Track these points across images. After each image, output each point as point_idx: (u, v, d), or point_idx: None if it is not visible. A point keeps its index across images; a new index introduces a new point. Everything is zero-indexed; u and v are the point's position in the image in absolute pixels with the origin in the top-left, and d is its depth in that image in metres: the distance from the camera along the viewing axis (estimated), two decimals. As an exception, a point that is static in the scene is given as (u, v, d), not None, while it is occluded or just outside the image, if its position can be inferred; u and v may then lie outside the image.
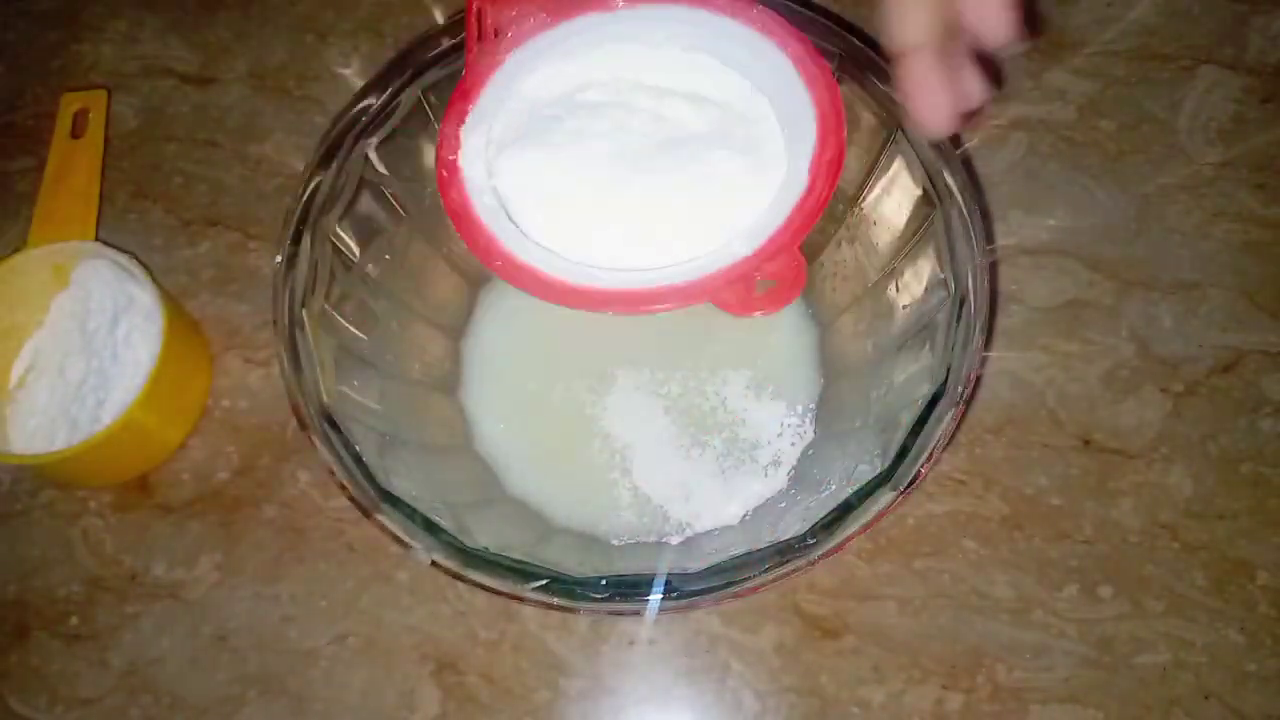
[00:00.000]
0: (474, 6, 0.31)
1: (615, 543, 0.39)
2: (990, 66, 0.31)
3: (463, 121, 0.30)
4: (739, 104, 0.31)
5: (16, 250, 0.45)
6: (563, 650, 0.41)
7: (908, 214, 0.36)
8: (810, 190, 0.28)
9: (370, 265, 0.37)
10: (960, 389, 0.31)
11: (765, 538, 0.33)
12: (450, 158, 0.30)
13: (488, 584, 0.30)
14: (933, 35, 0.28)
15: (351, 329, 0.36)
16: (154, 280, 0.43)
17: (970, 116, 0.29)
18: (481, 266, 0.29)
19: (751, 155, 0.30)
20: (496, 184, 0.30)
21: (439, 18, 0.51)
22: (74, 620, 0.42)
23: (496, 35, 0.31)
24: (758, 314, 0.28)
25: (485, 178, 0.30)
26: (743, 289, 0.27)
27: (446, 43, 0.35)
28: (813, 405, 0.41)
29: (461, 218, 0.29)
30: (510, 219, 0.29)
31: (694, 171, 0.30)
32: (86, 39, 0.54)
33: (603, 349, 0.42)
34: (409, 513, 0.31)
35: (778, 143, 0.30)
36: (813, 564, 0.30)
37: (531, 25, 0.31)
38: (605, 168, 0.30)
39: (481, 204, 0.29)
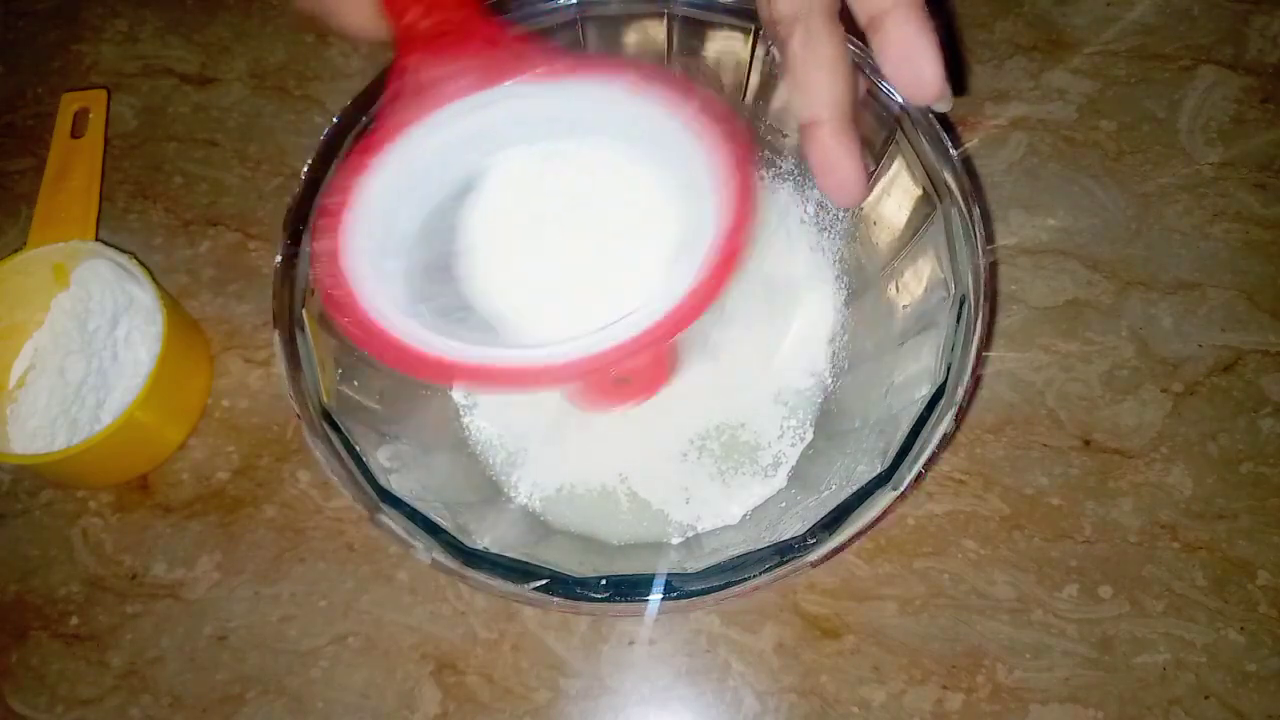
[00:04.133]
0: (404, 62, 0.29)
1: (615, 543, 0.39)
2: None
3: (360, 173, 0.29)
4: (657, 179, 0.30)
5: (16, 250, 0.45)
6: (563, 650, 0.41)
7: (908, 214, 0.36)
8: (693, 291, 0.27)
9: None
10: (960, 389, 0.31)
11: (765, 538, 0.33)
12: (333, 207, 0.28)
13: (488, 584, 0.30)
14: (836, 109, 0.28)
15: (351, 329, 0.36)
16: (154, 280, 0.43)
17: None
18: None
19: (664, 229, 0.30)
20: (392, 238, 0.29)
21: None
22: (74, 620, 0.42)
23: (419, 94, 0.30)
24: (610, 407, 0.27)
25: (367, 236, 0.29)
26: (596, 382, 0.27)
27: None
28: (813, 406, 0.41)
29: (327, 271, 0.28)
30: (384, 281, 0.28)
31: (580, 256, 0.30)
32: (86, 39, 0.54)
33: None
34: (409, 513, 0.31)
35: (671, 245, 0.29)
36: (813, 564, 0.30)
37: (458, 88, 0.29)
38: (495, 239, 0.30)
39: (352, 262, 0.28)
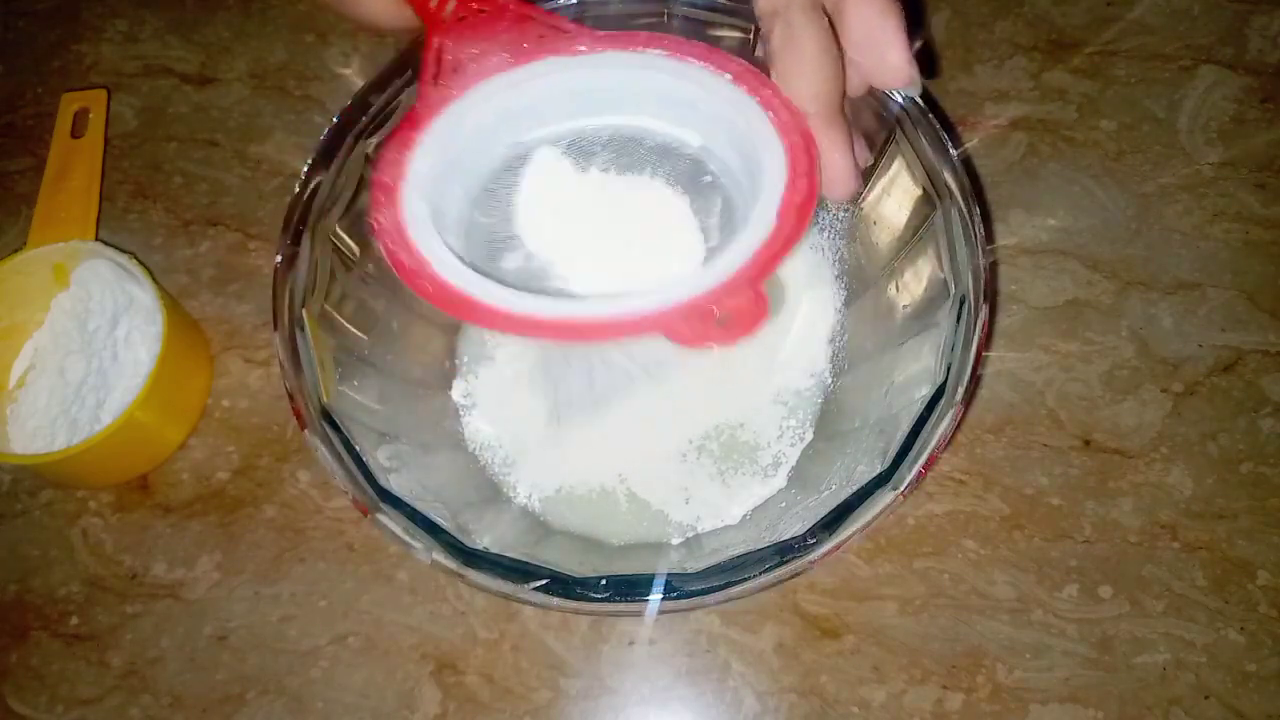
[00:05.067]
0: (434, 41, 0.30)
1: (615, 543, 0.39)
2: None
3: (408, 148, 0.29)
4: (704, 147, 0.31)
5: (16, 250, 0.45)
6: (563, 650, 0.41)
7: (908, 214, 0.36)
8: (776, 232, 0.27)
9: (370, 265, 0.37)
10: (960, 389, 0.31)
11: (765, 538, 0.33)
12: (388, 181, 0.29)
13: (488, 584, 0.30)
14: (819, 102, 0.27)
15: (351, 329, 0.36)
16: (154, 280, 0.43)
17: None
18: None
19: (715, 195, 0.30)
20: (447, 214, 0.30)
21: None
22: (74, 620, 0.42)
23: (456, 71, 0.30)
24: (712, 346, 0.28)
25: (424, 207, 0.29)
26: (698, 322, 0.27)
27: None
28: (813, 406, 0.41)
29: (394, 240, 0.28)
30: (451, 249, 0.29)
31: (655, 209, 0.30)
32: (86, 39, 0.54)
33: (600, 351, 0.42)
34: (409, 513, 0.31)
35: (744, 186, 0.30)
36: (813, 564, 0.30)
37: (493, 64, 0.30)
38: (563, 206, 0.30)
39: (416, 229, 0.28)
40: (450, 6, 0.30)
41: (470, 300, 0.27)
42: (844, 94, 0.28)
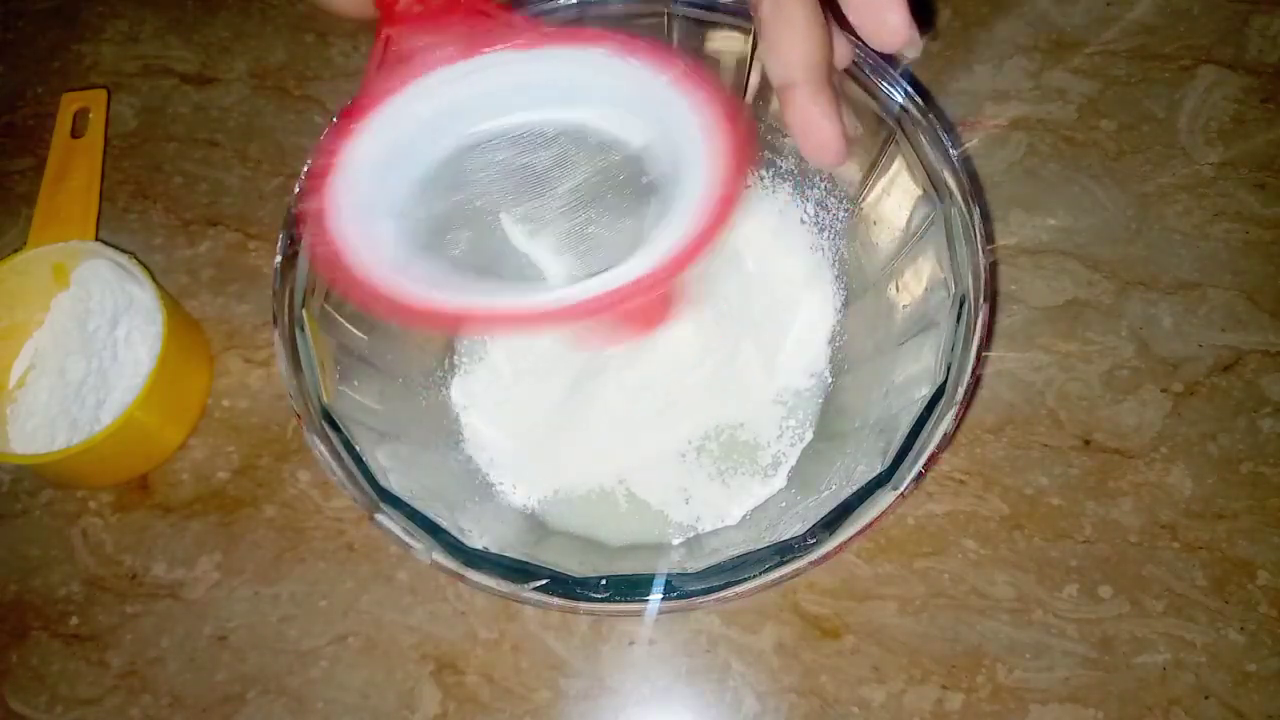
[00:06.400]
0: (384, 31, 0.30)
1: (615, 543, 0.39)
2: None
3: (346, 137, 0.29)
4: (645, 146, 0.31)
5: (16, 250, 0.45)
6: (563, 650, 0.41)
7: (908, 214, 0.36)
8: (687, 235, 0.27)
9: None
10: (960, 389, 0.31)
11: (765, 538, 0.33)
12: (320, 167, 0.29)
13: (488, 584, 0.30)
14: (809, 70, 0.27)
15: (351, 329, 0.36)
16: (154, 280, 0.43)
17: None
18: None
19: (651, 195, 0.30)
20: (380, 205, 0.30)
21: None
22: (74, 620, 0.42)
23: (403, 62, 0.30)
24: (614, 345, 0.28)
25: (354, 196, 0.29)
26: (598, 323, 0.27)
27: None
28: (813, 406, 0.41)
29: (315, 229, 0.28)
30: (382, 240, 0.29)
31: (582, 207, 0.30)
32: (86, 39, 0.54)
33: (599, 350, 0.42)
34: (409, 513, 0.31)
35: (676, 186, 0.30)
36: (813, 564, 0.30)
37: (439, 56, 0.30)
38: (494, 201, 0.31)
39: (340, 219, 0.29)
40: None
41: (375, 291, 0.27)
42: (831, 62, 0.28)
